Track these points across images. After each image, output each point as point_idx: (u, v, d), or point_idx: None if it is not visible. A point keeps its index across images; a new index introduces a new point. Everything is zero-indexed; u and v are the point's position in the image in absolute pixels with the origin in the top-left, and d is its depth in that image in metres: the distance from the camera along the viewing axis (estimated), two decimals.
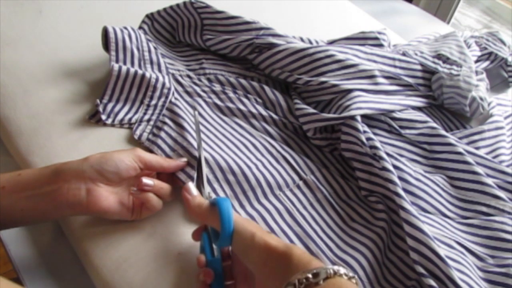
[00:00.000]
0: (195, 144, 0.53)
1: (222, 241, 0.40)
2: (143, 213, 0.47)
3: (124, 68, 0.59)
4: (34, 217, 0.43)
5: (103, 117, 0.57)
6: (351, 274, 0.34)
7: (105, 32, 0.61)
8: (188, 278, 0.45)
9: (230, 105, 0.61)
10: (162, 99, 0.60)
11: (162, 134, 0.56)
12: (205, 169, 0.50)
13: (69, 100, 0.60)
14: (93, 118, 0.57)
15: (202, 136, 0.57)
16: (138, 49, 0.62)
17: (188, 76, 0.65)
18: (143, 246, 0.47)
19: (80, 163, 0.43)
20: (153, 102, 0.59)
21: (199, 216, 0.43)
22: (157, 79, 0.60)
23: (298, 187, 0.54)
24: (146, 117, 0.58)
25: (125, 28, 0.63)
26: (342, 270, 0.33)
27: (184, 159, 0.51)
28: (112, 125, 0.57)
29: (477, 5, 2.14)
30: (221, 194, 0.51)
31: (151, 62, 0.63)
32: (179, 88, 0.63)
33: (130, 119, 0.58)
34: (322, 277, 0.32)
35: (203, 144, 0.55)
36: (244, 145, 0.56)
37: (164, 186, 0.47)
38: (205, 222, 0.43)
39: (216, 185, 0.51)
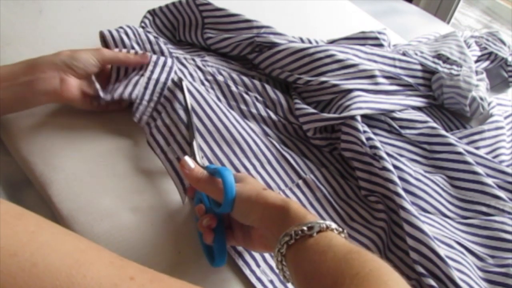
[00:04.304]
0: (185, 133, 0.53)
1: (224, 208, 0.41)
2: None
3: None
4: (13, 106, 0.51)
5: (101, 94, 0.54)
6: (340, 229, 0.37)
7: (102, 36, 0.61)
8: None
9: (232, 102, 0.60)
10: (164, 75, 0.58)
11: (158, 123, 0.55)
12: (197, 135, 0.53)
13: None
14: (95, 101, 0.56)
15: (202, 129, 0.56)
16: (138, 43, 0.62)
17: (193, 60, 0.64)
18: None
19: (52, 58, 0.51)
20: (155, 76, 0.57)
21: (199, 187, 0.45)
22: (158, 57, 0.59)
23: (298, 186, 0.54)
24: (147, 95, 0.56)
25: (121, 27, 0.63)
26: (333, 225, 0.36)
27: (147, 54, 0.58)
28: (110, 126, 0.57)
29: (477, 5, 2.14)
30: None
31: (153, 51, 0.62)
32: (184, 70, 0.62)
33: (130, 93, 0.55)
34: (315, 230, 0.35)
35: (200, 141, 0.55)
36: (246, 141, 0.55)
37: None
38: (205, 192, 0.45)
39: None
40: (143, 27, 0.69)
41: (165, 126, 0.54)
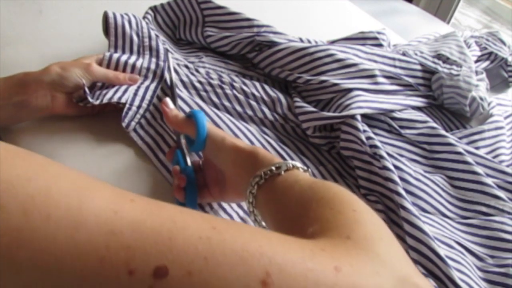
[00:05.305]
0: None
1: (197, 145, 0.45)
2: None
3: (115, 56, 0.58)
4: (7, 122, 0.54)
5: (89, 97, 0.54)
6: (305, 167, 0.40)
7: (105, 17, 0.61)
8: None
9: (226, 103, 0.60)
10: (154, 84, 0.59)
11: (153, 134, 0.55)
12: (176, 90, 0.57)
13: None
14: (82, 102, 0.55)
15: None
16: (137, 35, 0.61)
17: (186, 67, 0.64)
18: None
19: (42, 75, 0.52)
20: (145, 83, 0.58)
21: (176, 125, 0.49)
22: (148, 69, 0.59)
23: None
24: (137, 101, 0.56)
25: (126, 14, 0.62)
26: (299, 165, 0.39)
27: (136, 77, 0.59)
28: (110, 123, 0.57)
29: (477, 5, 2.14)
30: None
31: (150, 49, 0.62)
32: (174, 76, 0.61)
33: (119, 98, 0.55)
34: (283, 169, 0.38)
35: None
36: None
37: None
38: (181, 130, 0.50)
39: None
40: (146, 19, 0.68)
41: (163, 140, 0.55)
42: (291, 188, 0.36)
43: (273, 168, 0.38)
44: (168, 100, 0.51)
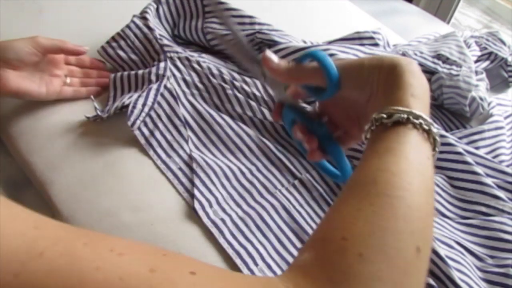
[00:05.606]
0: (187, 149, 0.54)
1: (330, 89, 0.38)
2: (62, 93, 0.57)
3: (118, 75, 0.61)
4: None
5: (100, 113, 0.56)
6: (425, 126, 0.32)
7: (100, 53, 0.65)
8: None
9: (227, 105, 0.60)
10: (157, 84, 0.59)
11: (157, 135, 0.56)
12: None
13: (69, 100, 0.60)
14: (92, 118, 0.57)
15: (198, 135, 0.57)
16: (135, 53, 0.64)
17: (187, 59, 0.63)
18: None
19: None
20: (148, 86, 0.59)
21: (292, 78, 0.41)
22: (150, 72, 0.60)
23: (294, 186, 0.54)
24: (141, 100, 0.56)
25: (114, 40, 0.64)
26: (423, 121, 0.31)
27: (86, 48, 0.59)
28: (110, 126, 0.57)
29: (477, 5, 2.14)
30: (217, 195, 0.51)
31: (149, 53, 0.63)
32: (178, 74, 0.61)
33: (123, 102, 0.56)
34: (393, 119, 0.32)
35: (199, 144, 0.55)
36: (240, 149, 0.56)
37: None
38: (302, 81, 0.42)
39: (211, 187, 0.52)
40: (145, 12, 0.67)
41: (166, 141, 0.56)
42: (372, 159, 0.30)
43: (384, 115, 0.32)
44: (268, 53, 0.40)
